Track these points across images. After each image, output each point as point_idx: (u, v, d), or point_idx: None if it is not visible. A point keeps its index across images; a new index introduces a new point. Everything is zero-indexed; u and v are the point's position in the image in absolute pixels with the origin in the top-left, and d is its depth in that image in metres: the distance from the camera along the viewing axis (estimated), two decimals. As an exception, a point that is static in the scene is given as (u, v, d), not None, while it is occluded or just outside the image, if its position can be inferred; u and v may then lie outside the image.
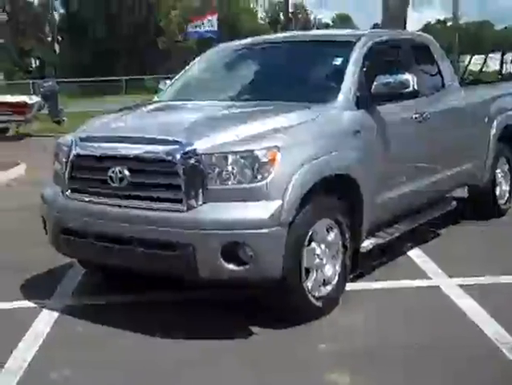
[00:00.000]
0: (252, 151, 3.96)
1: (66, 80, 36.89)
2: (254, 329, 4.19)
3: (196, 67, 6.16)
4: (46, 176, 5.03)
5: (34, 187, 5.66)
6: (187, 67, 6.22)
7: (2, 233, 6.92)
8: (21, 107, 18.75)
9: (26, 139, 18.23)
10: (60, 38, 61.35)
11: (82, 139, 4.53)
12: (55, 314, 4.58)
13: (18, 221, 7.29)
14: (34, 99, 19.85)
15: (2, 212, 7.98)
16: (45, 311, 4.64)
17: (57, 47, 56.88)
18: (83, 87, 42.59)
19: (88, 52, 54.38)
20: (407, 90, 4.91)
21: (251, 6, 69.67)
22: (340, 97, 4.78)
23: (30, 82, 35.72)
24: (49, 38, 62.32)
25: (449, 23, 42.19)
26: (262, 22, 74.23)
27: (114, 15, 53.84)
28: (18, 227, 7.07)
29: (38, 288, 5.17)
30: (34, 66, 61.72)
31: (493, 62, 20.97)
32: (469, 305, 4.50)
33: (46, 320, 4.49)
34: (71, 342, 4.18)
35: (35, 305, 4.75)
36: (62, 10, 60.98)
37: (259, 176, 3.94)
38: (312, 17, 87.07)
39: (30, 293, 5.00)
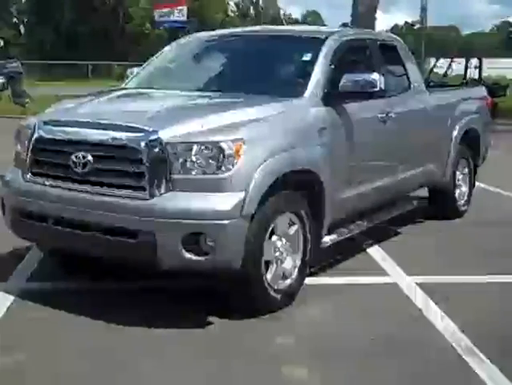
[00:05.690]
0: (217, 142, 3.96)
1: (30, 62, 36.21)
2: (210, 319, 4.20)
3: (164, 56, 6.10)
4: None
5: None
6: (155, 55, 6.17)
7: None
8: None
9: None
10: (26, 20, 60.25)
11: (45, 123, 4.47)
12: (11, 298, 4.52)
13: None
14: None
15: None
16: (0, 294, 4.57)
17: (22, 29, 55.86)
18: (47, 70, 41.93)
19: (54, 35, 53.52)
20: (374, 89, 4.94)
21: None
22: (307, 93, 4.80)
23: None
24: (14, 20, 61.14)
25: (416, 26, 42.73)
26: (232, 14, 74.07)
27: (82, -1, 53.05)
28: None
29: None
30: (-3, 46, 60.55)
31: (458, 67, 21.27)
32: (424, 303, 4.58)
33: (0, 303, 4.42)
34: (26, 327, 4.12)
35: (-10, 288, 4.68)
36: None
37: (223, 168, 3.94)
38: (282, 12, 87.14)
39: (-15, 276, 4.91)
